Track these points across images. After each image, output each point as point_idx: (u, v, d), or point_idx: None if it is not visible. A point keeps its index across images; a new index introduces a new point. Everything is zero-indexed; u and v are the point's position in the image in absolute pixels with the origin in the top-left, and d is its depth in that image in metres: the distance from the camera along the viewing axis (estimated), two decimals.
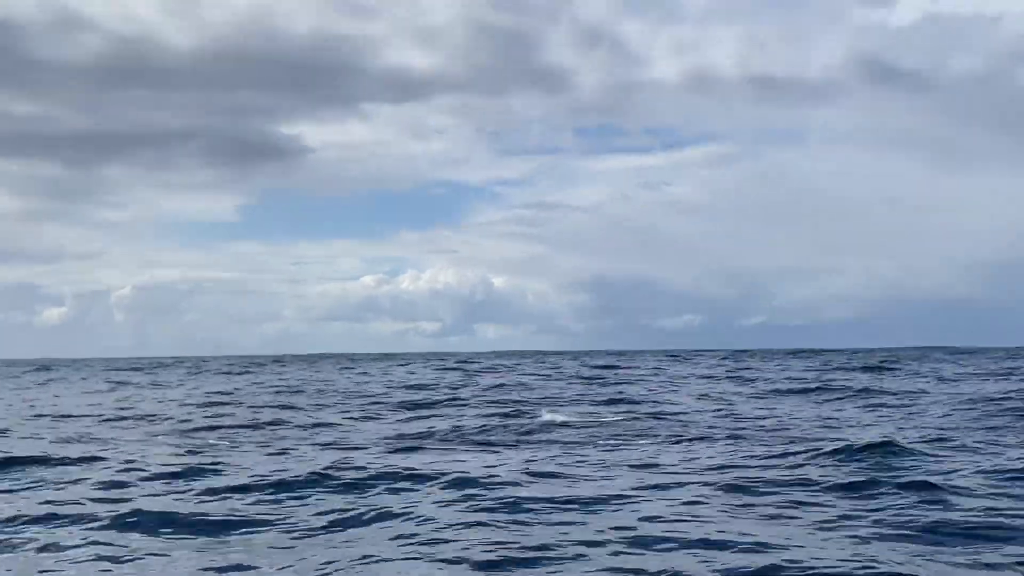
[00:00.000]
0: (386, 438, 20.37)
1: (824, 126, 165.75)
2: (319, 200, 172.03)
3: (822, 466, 14.62)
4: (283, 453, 17.44)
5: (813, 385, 35.83)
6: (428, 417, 25.37)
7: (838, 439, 17.28)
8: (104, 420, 25.95)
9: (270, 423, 23.99)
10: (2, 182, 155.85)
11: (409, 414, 26.68)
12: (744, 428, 21.12)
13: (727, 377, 44.81)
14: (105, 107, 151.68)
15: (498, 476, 13.91)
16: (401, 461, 15.79)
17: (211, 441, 19.95)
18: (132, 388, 44.38)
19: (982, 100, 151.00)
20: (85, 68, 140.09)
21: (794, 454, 15.92)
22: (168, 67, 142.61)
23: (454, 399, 31.52)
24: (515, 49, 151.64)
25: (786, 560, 9.02)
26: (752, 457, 16.06)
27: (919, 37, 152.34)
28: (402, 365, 69.75)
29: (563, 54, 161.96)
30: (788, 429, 20.86)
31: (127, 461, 16.04)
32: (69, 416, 27.40)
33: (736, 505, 11.91)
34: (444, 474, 14.01)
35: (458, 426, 22.38)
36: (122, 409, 29.98)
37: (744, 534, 10.10)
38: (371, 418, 25.63)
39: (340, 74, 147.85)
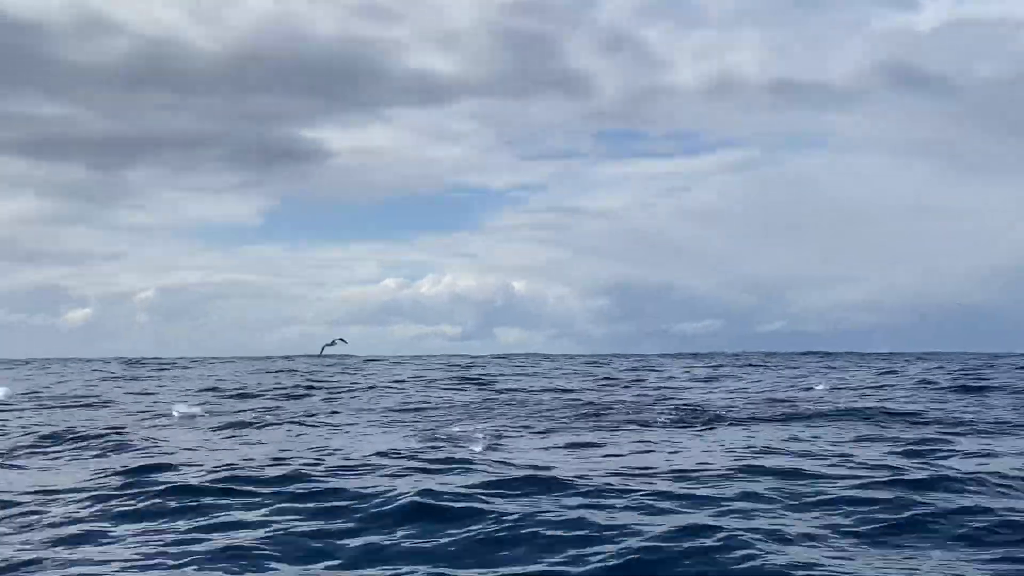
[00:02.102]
0: None
1: (846, 132, 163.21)
2: (340, 204, 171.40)
3: None
4: None
5: None
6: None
7: None
8: None
9: None
10: (28, 184, 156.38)
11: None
12: None
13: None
14: (130, 110, 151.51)
15: None
16: None
17: None
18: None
19: (1008, 106, 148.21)
20: (110, 71, 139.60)
21: None
22: (192, 71, 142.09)
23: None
24: (537, 53, 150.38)
25: None
26: None
27: (944, 42, 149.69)
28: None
29: (585, 59, 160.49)
30: None
31: None
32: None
33: None
34: None
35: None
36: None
37: None
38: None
39: (362, 78, 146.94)
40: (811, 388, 33.90)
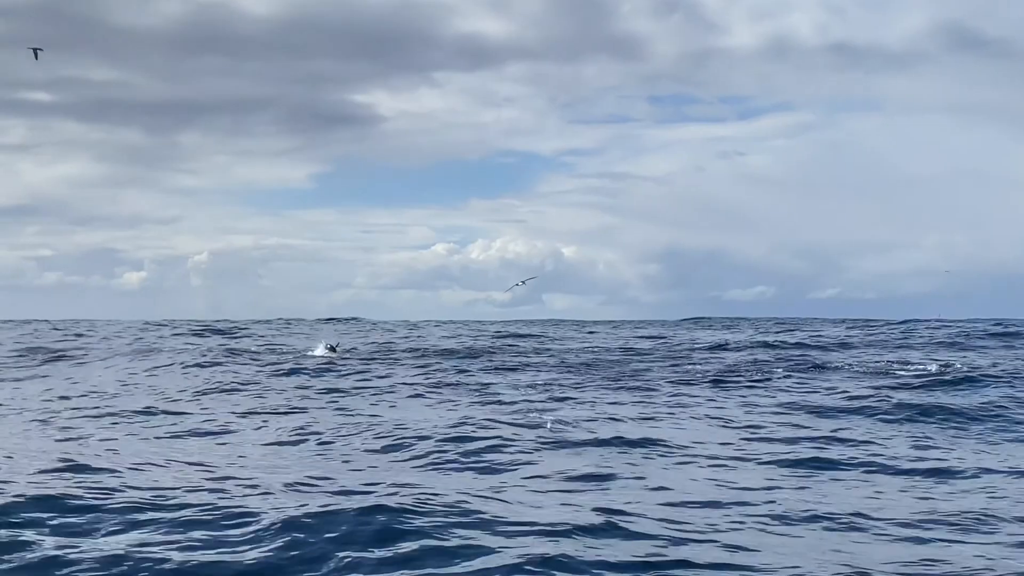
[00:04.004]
0: None
1: (903, 95, 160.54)
2: (391, 169, 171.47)
3: None
4: None
5: None
6: None
7: None
8: None
9: None
10: (84, 148, 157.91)
11: None
12: None
13: None
14: (183, 74, 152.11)
15: None
16: None
17: None
18: None
19: None
20: (164, 35, 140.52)
21: None
22: (244, 35, 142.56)
23: None
24: (588, 16, 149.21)
25: None
26: None
27: (1005, 3, 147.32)
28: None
29: (638, 21, 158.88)
30: None
31: None
32: None
33: None
34: None
35: None
36: None
37: None
38: None
39: (413, 42, 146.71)
40: None
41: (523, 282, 30.97)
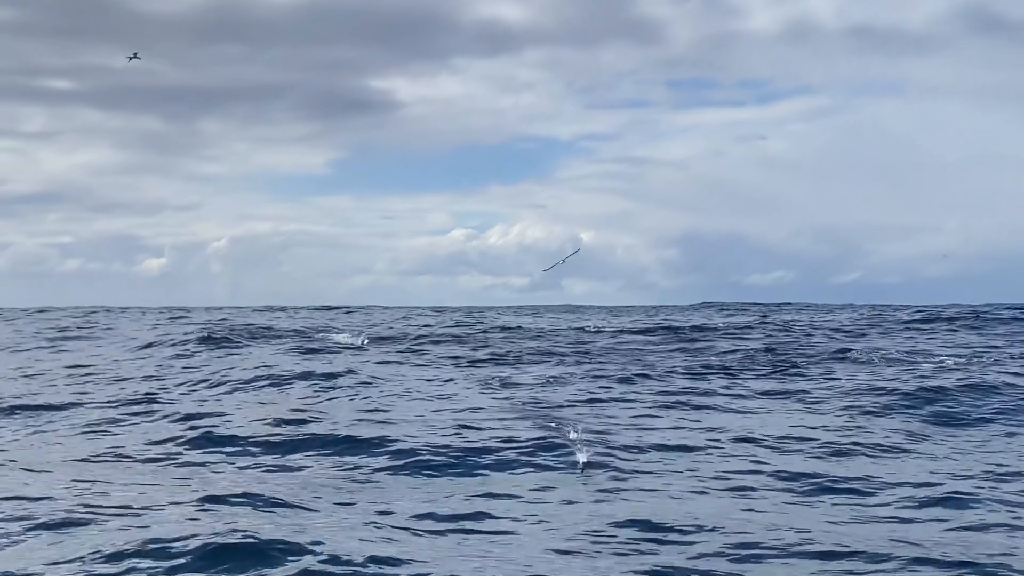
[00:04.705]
0: None
1: (924, 79, 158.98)
2: (409, 155, 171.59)
3: None
4: None
5: None
6: None
7: None
8: None
9: None
10: (104, 135, 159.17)
11: None
12: None
13: None
14: (202, 61, 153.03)
15: None
16: None
17: None
18: None
19: None
20: (183, 22, 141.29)
21: None
22: (263, 21, 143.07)
23: None
24: (606, 1, 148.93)
25: None
26: None
27: None
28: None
29: (655, 5, 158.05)
30: None
31: None
32: None
33: None
34: None
35: None
36: None
37: None
38: None
39: (431, 28, 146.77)
40: None
41: (563, 261, 31.12)
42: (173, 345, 29.18)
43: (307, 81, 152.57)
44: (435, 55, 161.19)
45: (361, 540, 8.89)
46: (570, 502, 10.91)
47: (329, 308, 68.48)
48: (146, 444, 14.26)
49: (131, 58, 28.50)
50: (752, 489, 11.56)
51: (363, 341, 31.01)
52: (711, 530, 9.56)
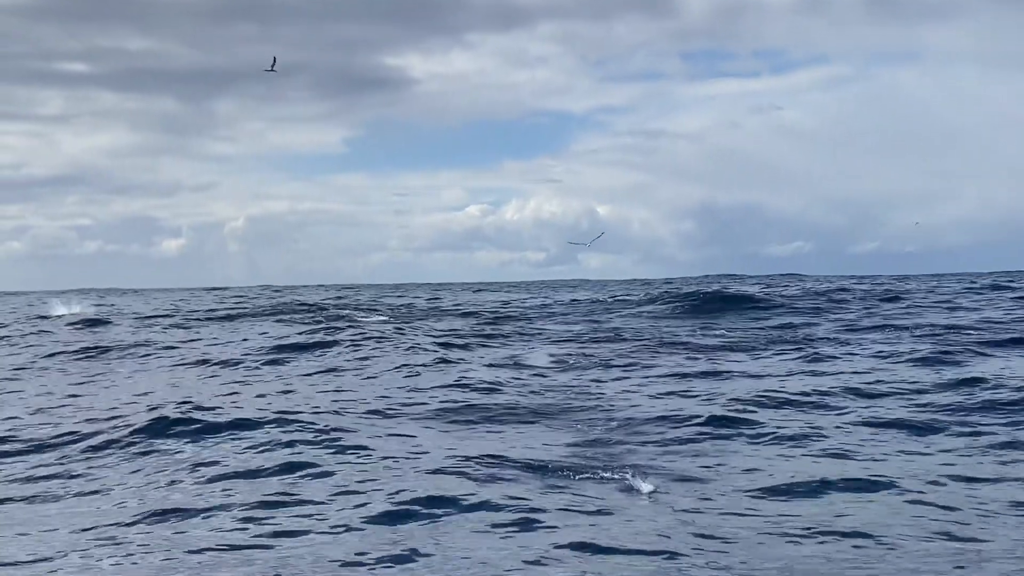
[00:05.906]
0: None
1: (941, 46, 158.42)
2: (424, 131, 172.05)
3: None
4: None
5: None
6: None
7: None
8: None
9: None
10: (121, 117, 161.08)
11: None
12: None
13: None
14: (216, 42, 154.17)
15: None
16: None
17: None
18: None
19: None
20: (196, 3, 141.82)
21: None
22: (276, 1, 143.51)
23: None
24: None
25: None
26: None
27: None
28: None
29: None
30: None
31: None
32: None
33: None
34: None
35: None
36: None
37: None
38: None
39: (444, 4, 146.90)
40: None
41: (588, 244, 31.92)
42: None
43: (321, 60, 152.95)
44: (448, 31, 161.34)
45: None
46: None
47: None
48: None
49: (270, 68, 28.49)
50: None
51: None
52: None
